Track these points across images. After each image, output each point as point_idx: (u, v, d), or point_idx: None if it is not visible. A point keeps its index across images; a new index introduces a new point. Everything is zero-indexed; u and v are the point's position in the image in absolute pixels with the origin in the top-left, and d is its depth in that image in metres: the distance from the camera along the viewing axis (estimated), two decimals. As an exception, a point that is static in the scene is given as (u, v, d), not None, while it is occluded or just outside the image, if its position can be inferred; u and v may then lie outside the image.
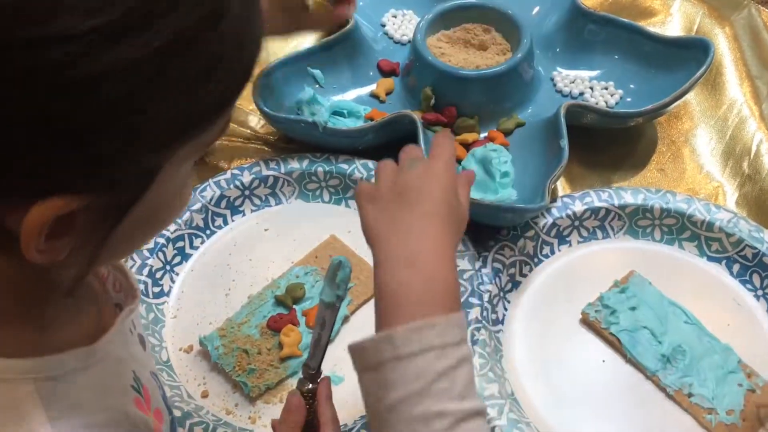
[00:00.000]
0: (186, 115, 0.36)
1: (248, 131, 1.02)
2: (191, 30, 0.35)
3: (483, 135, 0.98)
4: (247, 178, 0.93)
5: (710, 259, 0.86)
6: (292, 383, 0.78)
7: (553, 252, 0.88)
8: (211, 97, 0.37)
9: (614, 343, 0.80)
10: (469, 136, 0.97)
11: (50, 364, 0.44)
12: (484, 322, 0.80)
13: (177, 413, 0.73)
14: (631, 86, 1.00)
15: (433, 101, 0.99)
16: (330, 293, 0.64)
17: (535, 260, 0.87)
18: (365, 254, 0.88)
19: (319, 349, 0.65)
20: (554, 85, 1.02)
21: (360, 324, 0.83)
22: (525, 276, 0.86)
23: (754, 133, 0.98)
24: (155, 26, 0.33)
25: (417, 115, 0.93)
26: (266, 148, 0.99)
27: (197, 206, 0.90)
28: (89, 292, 0.52)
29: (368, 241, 0.53)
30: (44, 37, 0.31)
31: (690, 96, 1.01)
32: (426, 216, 0.51)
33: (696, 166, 0.97)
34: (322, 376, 0.64)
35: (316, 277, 0.85)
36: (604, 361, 0.79)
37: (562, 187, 0.94)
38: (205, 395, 0.78)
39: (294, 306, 0.83)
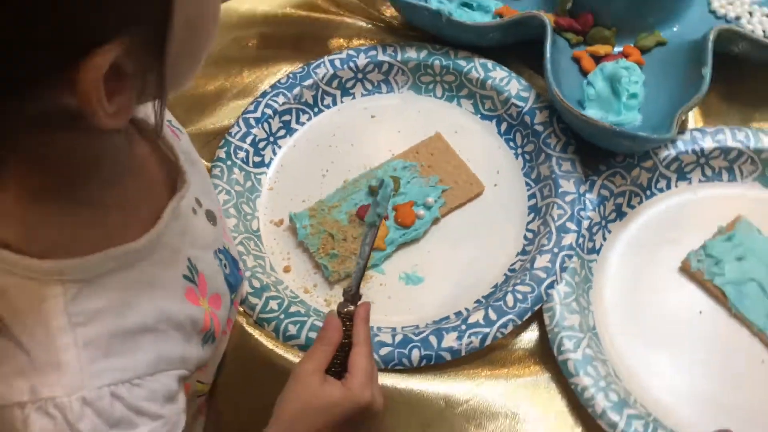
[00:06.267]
0: None
1: (375, 11, 0.98)
2: None
3: (617, 49, 0.90)
4: (362, 60, 0.90)
5: None
6: (373, 276, 0.78)
7: (669, 187, 0.82)
8: None
9: (717, 295, 0.74)
10: (601, 48, 0.89)
11: (82, 265, 0.43)
12: (578, 249, 0.76)
13: (256, 284, 0.74)
14: (798, 17, 0.89)
15: (570, 4, 0.91)
16: (371, 213, 0.64)
17: (647, 193, 0.81)
18: (466, 156, 0.84)
19: (357, 270, 0.65)
20: (709, 3, 0.92)
21: (451, 227, 0.81)
22: (632, 208, 0.81)
23: None
24: None
25: (549, 18, 0.86)
26: (387, 34, 0.96)
27: (309, 82, 0.88)
28: (140, 183, 0.50)
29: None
30: None
31: None
32: None
33: None
34: (362, 299, 0.64)
35: (413, 173, 0.83)
36: (701, 312, 0.74)
37: (693, 119, 0.86)
38: (287, 270, 0.79)
39: (387, 199, 0.81)
